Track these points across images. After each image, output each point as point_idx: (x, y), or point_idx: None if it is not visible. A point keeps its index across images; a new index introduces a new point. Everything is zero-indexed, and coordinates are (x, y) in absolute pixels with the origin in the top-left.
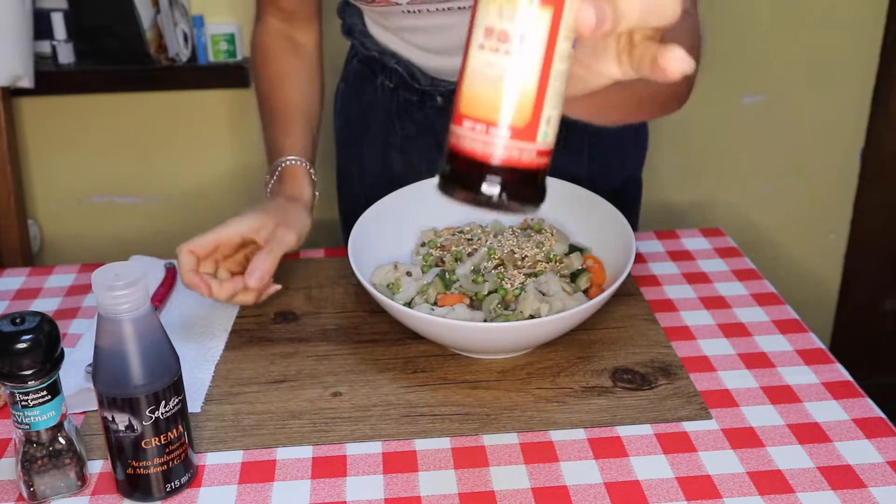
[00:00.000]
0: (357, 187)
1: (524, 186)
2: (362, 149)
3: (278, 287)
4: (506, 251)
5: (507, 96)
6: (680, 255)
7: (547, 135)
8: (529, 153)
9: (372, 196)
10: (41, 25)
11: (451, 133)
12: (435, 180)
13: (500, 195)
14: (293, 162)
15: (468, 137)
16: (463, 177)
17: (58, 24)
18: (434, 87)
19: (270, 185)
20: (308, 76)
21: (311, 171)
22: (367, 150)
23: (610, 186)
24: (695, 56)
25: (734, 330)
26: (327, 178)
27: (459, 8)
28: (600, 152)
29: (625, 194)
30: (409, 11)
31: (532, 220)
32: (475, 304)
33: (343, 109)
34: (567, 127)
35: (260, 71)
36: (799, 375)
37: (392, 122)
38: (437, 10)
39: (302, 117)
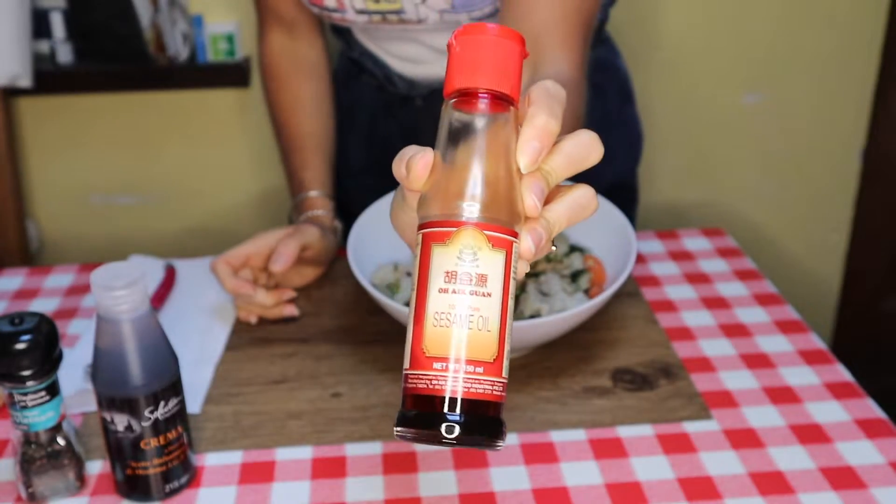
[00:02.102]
0: (346, 181)
1: (494, 422)
2: (348, 142)
3: (294, 312)
4: None
5: (475, 335)
6: (681, 256)
7: (507, 369)
8: (499, 388)
9: (360, 190)
10: (40, 25)
11: (413, 378)
12: (395, 431)
13: (473, 433)
14: (314, 195)
15: (438, 378)
16: (434, 419)
17: (56, 23)
18: (411, 91)
19: (294, 218)
20: (319, 99)
21: (332, 204)
22: (352, 143)
23: (596, 189)
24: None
25: (735, 330)
26: None
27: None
28: None
29: (614, 199)
30: (368, 28)
31: None
32: None
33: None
34: None
35: (273, 97)
36: (800, 376)
37: (376, 118)
38: (397, 28)
39: (319, 147)
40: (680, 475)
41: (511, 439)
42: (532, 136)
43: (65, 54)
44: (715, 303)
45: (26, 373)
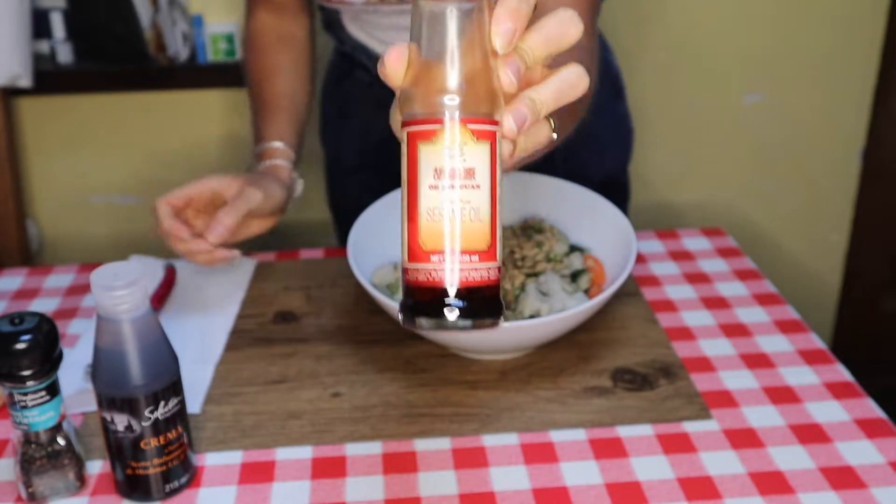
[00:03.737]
0: (341, 180)
1: (493, 302)
2: (341, 142)
3: (236, 253)
4: (506, 251)
5: (468, 225)
6: (680, 255)
7: (501, 254)
8: (494, 272)
9: (355, 189)
10: (40, 25)
11: (412, 270)
12: (400, 318)
13: (474, 315)
14: (275, 145)
15: (436, 270)
16: (436, 307)
17: (56, 23)
18: None
19: (252, 167)
20: (297, 68)
21: (293, 156)
22: (345, 142)
23: (588, 185)
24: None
25: (735, 330)
26: (318, 174)
27: None
28: (575, 149)
29: (606, 195)
30: (366, 11)
31: (532, 219)
32: None
33: (325, 103)
34: None
35: (250, 64)
36: (800, 376)
37: (369, 115)
38: (394, 11)
39: (288, 108)
40: (680, 475)
41: (511, 439)
42: (505, 18)
43: (65, 54)
44: (715, 303)
45: (26, 373)
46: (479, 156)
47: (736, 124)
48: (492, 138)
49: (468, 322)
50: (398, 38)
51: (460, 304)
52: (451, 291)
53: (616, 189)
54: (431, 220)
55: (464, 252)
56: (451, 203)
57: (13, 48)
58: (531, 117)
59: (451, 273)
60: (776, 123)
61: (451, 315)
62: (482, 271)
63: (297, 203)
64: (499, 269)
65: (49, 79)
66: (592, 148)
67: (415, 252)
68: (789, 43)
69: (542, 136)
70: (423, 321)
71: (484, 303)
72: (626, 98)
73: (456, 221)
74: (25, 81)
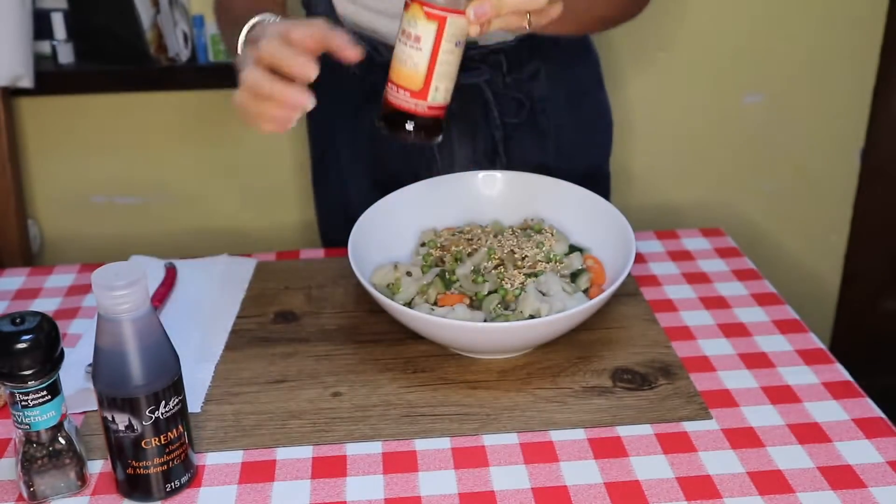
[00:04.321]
0: (332, 181)
1: (424, 126)
2: (335, 140)
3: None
4: (506, 251)
5: (410, 72)
6: (680, 255)
7: (436, 97)
8: (423, 107)
9: (347, 189)
10: (41, 25)
11: (385, 91)
12: (377, 122)
13: (410, 130)
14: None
15: (392, 95)
16: (390, 120)
17: (58, 23)
18: None
19: (241, 45)
20: None
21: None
22: (338, 141)
23: (574, 176)
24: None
25: (734, 330)
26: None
27: None
28: (565, 141)
29: (590, 186)
30: None
31: (532, 219)
32: (475, 304)
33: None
34: (534, 118)
35: None
36: (799, 375)
37: (360, 111)
38: None
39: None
40: (679, 474)
41: (511, 438)
42: None
43: (66, 55)
44: (714, 302)
45: (27, 372)
46: (427, 29)
47: (736, 124)
48: (440, 20)
49: (404, 133)
50: (390, 4)
51: (406, 121)
52: (395, 112)
53: (599, 180)
54: (395, 62)
55: (405, 88)
56: (404, 55)
57: (14, 49)
58: (492, 12)
59: (396, 99)
60: (776, 123)
61: (393, 126)
62: (412, 103)
63: None
64: (430, 108)
65: (50, 79)
66: (579, 133)
67: (389, 79)
68: (789, 43)
69: (513, 24)
70: (381, 127)
71: (421, 127)
72: (607, 91)
73: (404, 66)
74: (26, 82)
